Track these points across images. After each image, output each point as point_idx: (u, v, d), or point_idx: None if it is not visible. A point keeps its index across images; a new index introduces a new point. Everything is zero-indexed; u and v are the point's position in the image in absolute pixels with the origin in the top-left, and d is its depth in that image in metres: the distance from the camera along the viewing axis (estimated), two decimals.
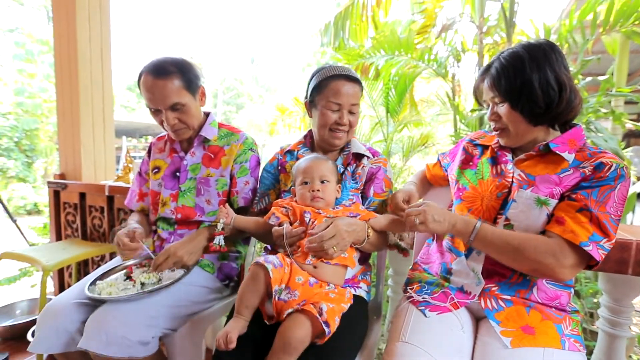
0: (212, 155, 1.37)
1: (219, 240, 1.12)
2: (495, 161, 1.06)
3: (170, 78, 1.19)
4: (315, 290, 0.95)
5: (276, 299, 0.91)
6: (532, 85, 0.88)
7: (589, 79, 2.68)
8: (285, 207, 1.09)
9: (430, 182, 1.36)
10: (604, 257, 0.83)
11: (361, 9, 3.40)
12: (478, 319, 0.99)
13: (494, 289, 0.95)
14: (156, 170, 1.42)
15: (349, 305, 0.97)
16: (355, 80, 1.18)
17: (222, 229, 1.11)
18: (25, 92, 8.09)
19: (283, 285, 0.93)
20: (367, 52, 3.33)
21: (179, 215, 1.33)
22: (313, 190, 1.06)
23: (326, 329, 0.85)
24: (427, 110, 5.02)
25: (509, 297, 0.93)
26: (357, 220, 1.05)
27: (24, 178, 7.84)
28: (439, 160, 1.30)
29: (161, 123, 1.25)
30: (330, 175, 1.09)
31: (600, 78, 2.57)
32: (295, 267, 0.98)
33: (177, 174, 1.37)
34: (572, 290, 0.99)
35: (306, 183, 1.08)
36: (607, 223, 0.82)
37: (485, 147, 1.11)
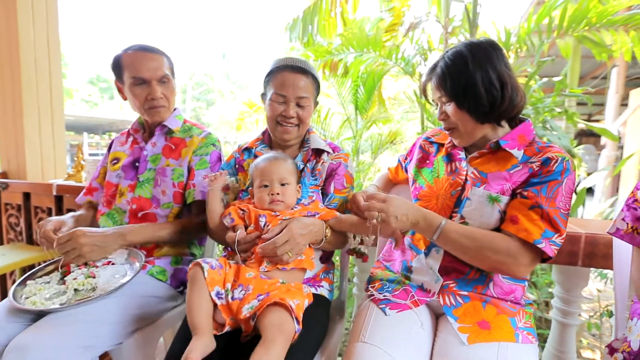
0: (173, 147, 1.33)
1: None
2: (449, 159, 1.06)
3: (160, 55, 1.26)
4: (269, 280, 0.91)
5: (229, 299, 0.86)
6: (475, 85, 0.89)
7: (545, 79, 2.81)
8: (242, 210, 1.04)
9: (393, 184, 1.36)
10: (556, 252, 0.86)
11: (330, 4, 3.37)
12: (438, 315, 0.99)
13: (452, 285, 0.95)
14: (115, 161, 1.37)
15: (306, 302, 0.93)
16: (304, 72, 1.13)
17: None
18: None
19: (229, 285, 0.88)
20: (336, 49, 3.30)
21: (134, 206, 1.28)
22: (272, 194, 1.01)
23: (297, 327, 0.82)
24: (397, 107, 5.10)
25: (466, 293, 0.94)
26: (315, 220, 1.02)
27: None
28: (399, 162, 1.30)
29: (143, 99, 1.24)
30: (290, 176, 1.04)
31: (555, 79, 2.71)
32: (242, 266, 0.93)
33: (137, 164, 1.33)
34: (526, 283, 1.02)
35: (265, 186, 1.03)
36: (557, 218, 0.85)
37: (441, 145, 1.12)
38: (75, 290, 1.03)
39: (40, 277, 1.12)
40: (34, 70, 2.02)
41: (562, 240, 0.86)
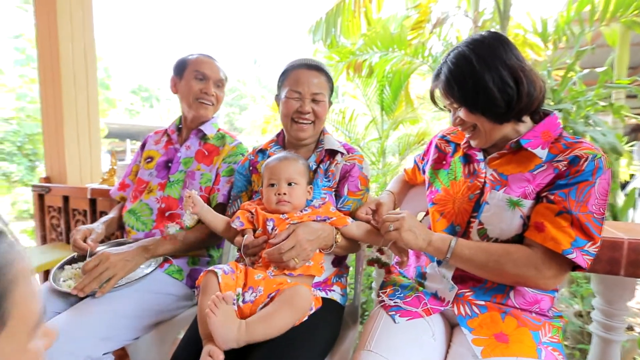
0: (206, 153, 1.39)
1: (171, 227, 1.08)
2: (467, 160, 0.99)
3: (219, 64, 1.42)
4: (278, 279, 0.90)
5: (240, 303, 0.86)
6: (486, 86, 0.82)
7: (586, 71, 2.59)
8: (251, 213, 1.03)
9: (410, 186, 1.30)
10: (590, 262, 0.77)
11: (353, 4, 3.34)
12: (453, 325, 0.93)
13: (467, 294, 0.89)
14: (149, 159, 1.44)
15: (312, 304, 0.91)
16: (318, 69, 1.13)
17: (186, 226, 1.04)
18: (26, 97, 8.16)
19: (240, 290, 0.88)
20: (359, 49, 3.26)
21: (163, 205, 1.33)
22: (279, 194, 1.00)
23: (312, 304, 0.85)
24: (426, 106, 4.94)
25: (483, 303, 0.87)
26: (325, 225, 0.99)
27: (27, 182, 7.91)
28: (415, 162, 1.24)
29: (198, 90, 1.35)
30: (298, 177, 1.02)
31: (599, 70, 2.48)
32: (250, 268, 0.93)
33: (169, 164, 1.39)
34: (557, 293, 0.93)
35: (273, 185, 1.02)
36: (590, 225, 0.76)
37: (458, 145, 1.05)
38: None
39: (77, 262, 1.20)
40: (73, 85, 2.19)
41: (597, 249, 0.77)
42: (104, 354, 0.99)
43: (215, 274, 0.86)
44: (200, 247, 1.31)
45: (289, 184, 1.01)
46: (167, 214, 1.32)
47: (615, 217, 2.07)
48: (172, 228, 1.09)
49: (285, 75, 1.15)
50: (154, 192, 1.36)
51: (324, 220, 1.01)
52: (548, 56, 3.37)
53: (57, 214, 2.14)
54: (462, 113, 0.89)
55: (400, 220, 0.86)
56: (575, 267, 0.79)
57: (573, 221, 0.76)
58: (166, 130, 1.48)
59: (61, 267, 1.18)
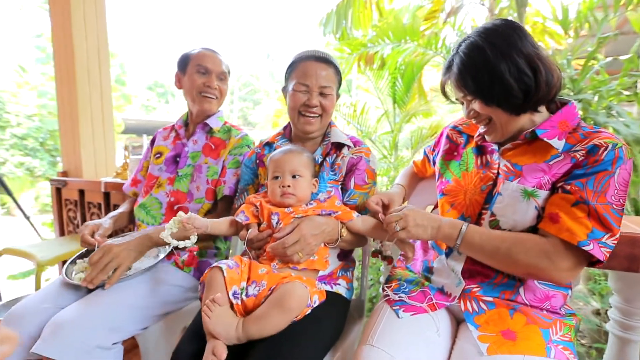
0: (213, 146, 1.40)
1: (182, 258, 1.09)
2: (480, 151, 0.96)
3: (221, 57, 1.41)
4: (282, 274, 0.90)
5: (244, 297, 0.86)
6: (502, 77, 0.78)
7: (609, 59, 2.46)
8: (255, 206, 1.03)
9: (419, 179, 1.27)
10: (608, 255, 0.74)
11: None
12: (459, 321, 0.91)
13: (475, 289, 0.86)
14: (158, 155, 1.46)
15: (316, 297, 0.91)
16: (326, 61, 1.11)
17: (184, 247, 0.99)
18: (47, 94, 8.42)
19: (244, 284, 0.88)
20: (370, 40, 3.21)
21: (172, 199, 1.35)
22: (283, 186, 0.99)
23: (309, 300, 0.84)
24: (440, 99, 4.83)
25: (491, 299, 0.84)
26: (329, 219, 0.98)
27: (49, 177, 8.19)
28: (425, 154, 1.21)
29: (201, 84, 1.36)
30: (303, 169, 1.01)
31: (623, 58, 2.36)
32: (254, 262, 0.93)
33: (177, 159, 1.42)
34: (569, 291, 0.89)
35: (277, 177, 1.01)
36: (609, 216, 0.72)
37: (470, 136, 1.01)
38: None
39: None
40: (87, 82, 2.24)
41: (616, 242, 0.74)
42: (114, 343, 1.01)
43: (220, 269, 0.86)
44: (209, 237, 1.33)
45: (293, 177, 1.00)
46: (175, 207, 1.34)
47: (637, 212, 1.98)
48: (180, 258, 1.09)
49: (292, 67, 1.13)
50: (163, 186, 1.38)
51: (329, 214, 1.00)
52: (569, 44, 3.24)
53: (74, 207, 2.21)
54: (476, 105, 0.85)
55: (404, 218, 0.84)
56: (592, 262, 0.76)
57: (590, 212, 0.73)
58: (174, 125, 1.49)
59: (73, 262, 1.21)
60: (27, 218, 2.89)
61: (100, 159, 2.33)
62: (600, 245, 0.72)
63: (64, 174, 2.32)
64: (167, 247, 1.21)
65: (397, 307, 0.88)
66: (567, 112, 0.84)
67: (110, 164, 2.38)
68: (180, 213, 0.91)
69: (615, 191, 0.73)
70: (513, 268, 0.80)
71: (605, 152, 0.74)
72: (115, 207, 2.02)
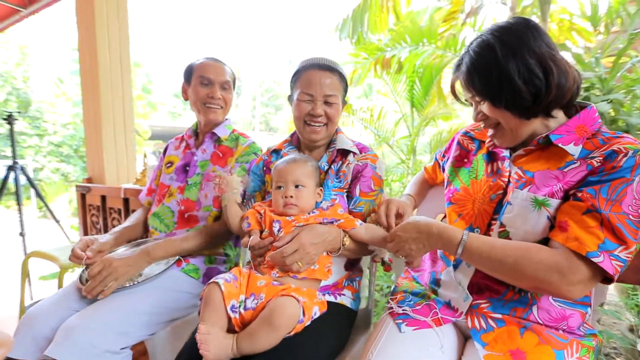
0: (221, 154, 1.41)
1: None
2: (491, 158, 0.91)
3: (225, 65, 1.42)
4: (280, 287, 0.89)
5: (242, 310, 0.86)
6: (511, 78, 0.74)
7: None
8: (260, 214, 1.03)
9: (430, 186, 1.23)
10: (619, 269, 0.67)
11: None
12: (467, 338, 0.86)
13: (483, 305, 0.81)
14: (169, 164, 1.49)
15: (317, 308, 0.89)
16: (330, 69, 1.09)
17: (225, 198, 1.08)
18: (81, 104, 8.92)
19: (243, 297, 0.87)
20: (386, 44, 3.17)
21: (182, 207, 1.37)
22: (286, 197, 0.98)
23: (300, 316, 0.81)
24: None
25: (500, 316, 0.79)
26: (331, 228, 0.96)
27: (81, 182, 8.66)
28: (436, 160, 1.17)
29: (205, 96, 1.38)
30: (306, 179, 1.00)
31: None
32: (253, 273, 0.92)
33: (187, 168, 1.44)
34: (589, 309, 0.82)
35: (280, 187, 1.00)
36: (624, 227, 0.66)
37: (482, 142, 0.97)
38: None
39: None
40: (110, 92, 2.35)
41: (629, 255, 0.67)
42: (122, 348, 1.03)
43: (218, 284, 0.86)
44: (212, 246, 1.33)
45: (296, 187, 0.99)
46: (186, 215, 1.36)
47: None
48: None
49: (297, 77, 1.13)
50: (174, 195, 1.40)
51: (332, 222, 0.98)
52: (599, 42, 3.06)
53: (97, 212, 2.30)
54: (485, 107, 0.81)
55: (397, 241, 0.83)
56: (607, 277, 0.69)
57: (603, 221, 0.67)
58: (184, 135, 1.52)
59: (87, 267, 1.24)
60: (57, 222, 3.05)
61: (121, 166, 2.43)
62: (611, 257, 0.66)
63: (89, 180, 2.43)
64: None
65: (400, 321, 0.85)
66: (586, 116, 0.78)
67: (131, 171, 2.47)
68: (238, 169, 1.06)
69: (634, 201, 0.67)
70: (519, 281, 0.74)
71: (625, 159, 0.68)
72: (134, 211, 2.09)
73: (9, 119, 2.55)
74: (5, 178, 2.71)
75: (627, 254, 0.67)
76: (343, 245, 0.97)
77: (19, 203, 2.66)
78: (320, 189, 1.06)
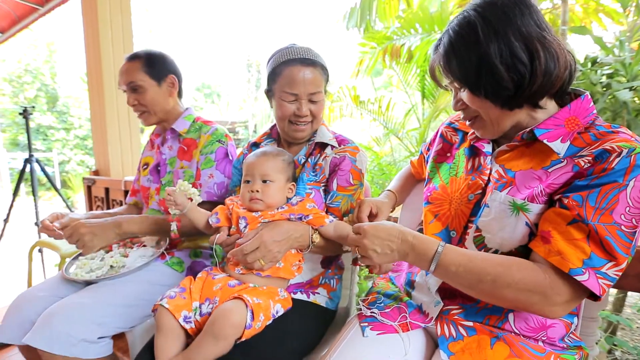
0: (186, 148, 1.36)
1: (174, 226, 1.06)
2: (473, 153, 0.83)
3: (134, 61, 1.30)
4: (236, 289, 0.86)
5: (198, 317, 0.84)
6: (491, 63, 0.64)
7: None
8: (230, 209, 1.00)
9: (417, 181, 1.15)
10: (606, 288, 0.59)
11: None
12: (437, 345, 0.80)
13: (455, 311, 0.75)
14: (145, 166, 1.47)
15: (279, 306, 0.86)
16: (313, 64, 1.01)
17: (175, 215, 1.02)
18: None
19: (197, 304, 0.86)
20: (394, 32, 3.05)
21: (162, 208, 1.36)
22: (252, 191, 0.94)
23: (248, 321, 0.77)
24: None
25: (471, 324, 0.73)
26: (297, 225, 0.92)
27: None
28: (422, 153, 1.09)
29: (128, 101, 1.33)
30: (275, 174, 0.96)
31: None
32: (209, 278, 0.90)
33: (159, 168, 1.41)
34: (575, 319, 0.74)
35: (248, 182, 0.97)
36: (613, 239, 0.58)
37: (466, 134, 0.89)
38: (111, 266, 1.15)
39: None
40: (114, 88, 2.37)
41: (619, 273, 0.59)
42: (99, 337, 1.04)
43: (161, 305, 0.84)
44: (188, 235, 1.28)
45: (264, 182, 0.95)
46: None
47: None
48: (172, 225, 1.08)
49: (277, 73, 1.03)
50: (153, 197, 1.38)
51: (300, 218, 0.93)
52: (629, 23, 2.81)
53: (102, 203, 2.36)
54: (465, 95, 0.73)
55: (362, 246, 0.71)
56: (593, 294, 0.61)
57: (590, 233, 0.59)
58: (152, 133, 1.48)
59: (76, 257, 1.26)
60: (72, 211, 3.16)
61: (126, 159, 2.47)
62: (598, 275, 0.58)
63: (96, 172, 2.49)
64: (161, 249, 1.21)
65: (365, 324, 0.80)
66: (578, 107, 0.68)
67: (135, 164, 2.51)
68: (180, 181, 0.98)
69: (627, 209, 0.58)
70: (497, 301, 0.66)
71: (617, 159, 0.59)
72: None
73: (24, 113, 2.64)
74: (23, 169, 2.83)
75: (616, 271, 0.59)
76: (312, 242, 0.92)
77: (34, 194, 2.76)
78: (293, 184, 1.01)
